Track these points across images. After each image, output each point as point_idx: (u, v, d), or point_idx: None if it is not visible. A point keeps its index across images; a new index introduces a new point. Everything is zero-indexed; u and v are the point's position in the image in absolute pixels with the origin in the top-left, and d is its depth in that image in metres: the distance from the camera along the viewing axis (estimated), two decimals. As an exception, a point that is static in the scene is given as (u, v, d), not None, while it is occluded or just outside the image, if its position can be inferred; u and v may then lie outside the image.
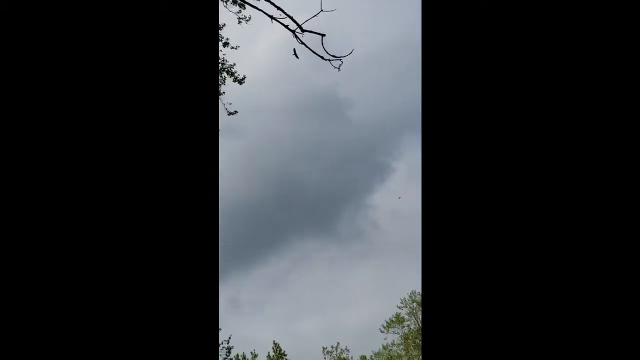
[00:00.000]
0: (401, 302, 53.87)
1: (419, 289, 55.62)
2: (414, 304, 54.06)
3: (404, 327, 53.65)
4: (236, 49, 17.15)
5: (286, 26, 11.93)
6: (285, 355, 52.52)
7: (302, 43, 11.55)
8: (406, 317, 53.72)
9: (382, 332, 53.80)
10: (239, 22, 15.85)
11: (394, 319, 53.86)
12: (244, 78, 17.36)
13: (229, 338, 34.52)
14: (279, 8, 12.21)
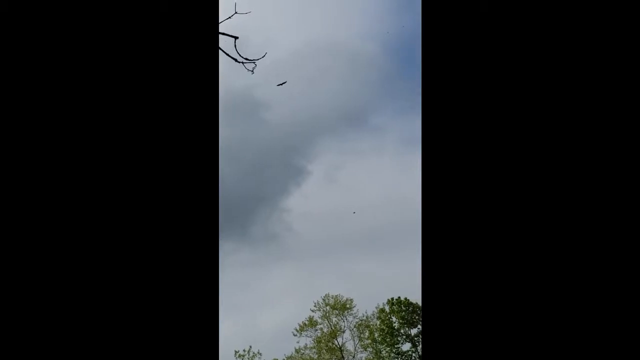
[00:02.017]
0: (314, 306, 54.17)
1: (332, 292, 56.14)
2: (327, 307, 54.45)
3: (316, 330, 53.95)
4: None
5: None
6: (197, 359, 51.60)
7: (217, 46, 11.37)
8: (319, 320, 54.05)
9: (295, 335, 53.92)
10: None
11: (307, 322, 54.07)
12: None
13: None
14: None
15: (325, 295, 54.69)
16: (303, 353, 53.30)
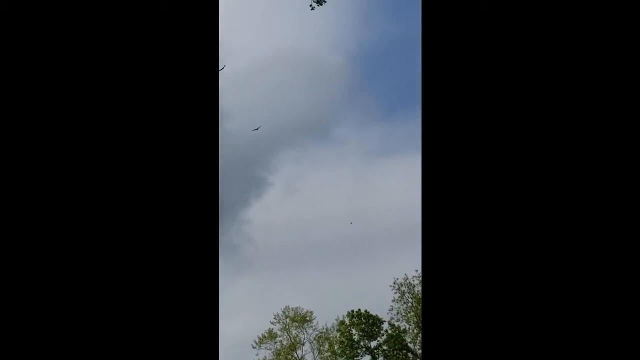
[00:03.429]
0: (274, 318, 53.87)
1: (292, 304, 55.85)
2: (287, 319, 54.22)
3: (276, 342, 53.63)
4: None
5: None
6: (154, 371, 50.76)
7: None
8: (279, 332, 53.76)
9: (254, 347, 53.48)
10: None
11: (266, 334, 53.72)
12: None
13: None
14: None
15: (285, 307, 54.49)
16: (262, 365, 52.90)
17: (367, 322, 50.90)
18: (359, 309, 51.32)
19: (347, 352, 50.08)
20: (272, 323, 54.10)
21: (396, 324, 48.40)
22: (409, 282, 48.20)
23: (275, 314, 54.09)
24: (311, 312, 54.19)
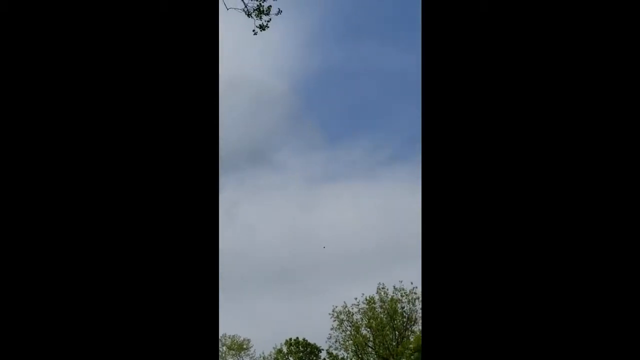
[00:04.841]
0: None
1: (229, 331, 54.97)
2: (224, 347, 53.46)
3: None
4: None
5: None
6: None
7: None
8: None
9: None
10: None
11: None
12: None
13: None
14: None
15: (222, 335, 53.71)
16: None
17: (305, 351, 50.64)
18: (297, 337, 51.08)
19: (285, 380, 49.64)
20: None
21: (334, 352, 48.27)
22: (348, 311, 48.27)
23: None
24: (248, 340, 53.59)
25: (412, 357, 42.95)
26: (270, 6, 15.75)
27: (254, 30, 15.72)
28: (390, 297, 47.85)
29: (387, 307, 47.69)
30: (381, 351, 46.89)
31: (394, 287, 47.85)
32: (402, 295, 47.67)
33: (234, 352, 53.13)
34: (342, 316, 48.28)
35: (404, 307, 47.65)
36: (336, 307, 48.09)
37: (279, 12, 15.86)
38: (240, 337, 53.82)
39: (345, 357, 48.13)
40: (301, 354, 50.68)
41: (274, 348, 51.88)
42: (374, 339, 47.61)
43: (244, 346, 53.49)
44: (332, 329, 47.92)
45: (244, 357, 53.06)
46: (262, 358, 52.85)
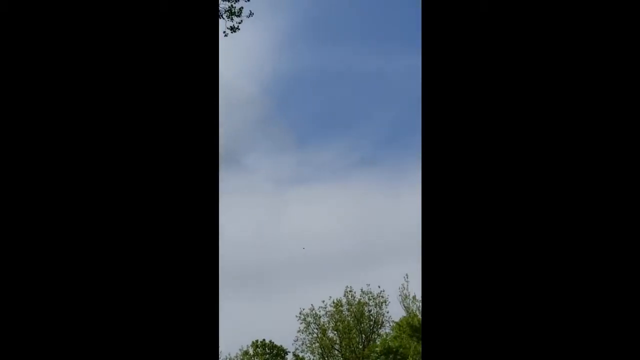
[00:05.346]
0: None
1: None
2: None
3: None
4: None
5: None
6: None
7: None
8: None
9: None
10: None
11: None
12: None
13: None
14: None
15: (188, 335, 53.32)
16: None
17: (271, 352, 50.49)
18: (264, 339, 50.88)
19: (250, 382, 49.40)
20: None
21: (300, 354, 48.22)
22: (315, 313, 48.27)
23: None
24: (214, 341, 53.18)
25: (378, 360, 43.13)
26: (242, 7, 15.75)
27: (224, 32, 15.69)
28: (357, 300, 47.97)
29: (354, 310, 47.79)
30: (347, 354, 46.96)
31: (362, 290, 48.00)
32: (369, 299, 47.81)
33: (199, 353, 52.75)
34: (309, 319, 48.25)
35: (371, 310, 47.80)
36: (303, 309, 48.08)
37: (251, 14, 15.86)
38: (206, 338, 53.45)
39: (311, 360, 48.13)
40: (267, 355, 50.53)
41: (240, 350, 51.62)
42: (340, 342, 47.66)
43: (210, 347, 53.12)
44: (298, 331, 47.88)
45: (209, 359, 52.69)
46: (227, 359, 52.53)
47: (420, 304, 41.83)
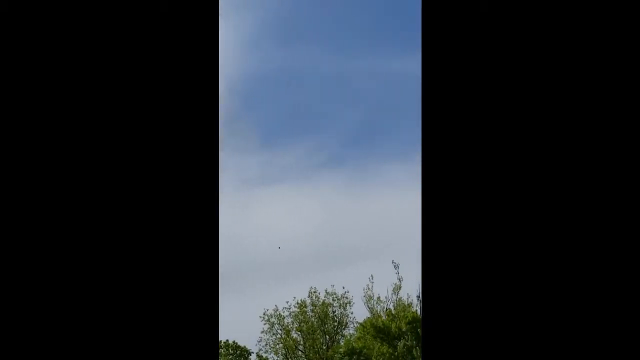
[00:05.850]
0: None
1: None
2: None
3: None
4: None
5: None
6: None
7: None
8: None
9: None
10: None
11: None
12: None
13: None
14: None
15: (150, 336, 52.89)
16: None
17: (235, 353, 50.32)
18: (227, 340, 50.67)
19: (213, 383, 49.20)
20: (135, 352, 52.21)
21: (264, 355, 48.13)
22: (279, 314, 48.23)
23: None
24: (177, 342, 52.81)
25: (342, 361, 43.25)
26: None
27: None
28: (321, 301, 48.06)
29: (319, 311, 47.88)
30: (311, 355, 47.03)
31: (326, 291, 48.10)
32: (333, 300, 47.93)
33: (161, 354, 52.34)
34: (272, 319, 48.19)
35: (335, 311, 47.93)
36: (267, 310, 47.99)
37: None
38: (168, 338, 53.07)
39: (274, 361, 48.06)
40: (231, 356, 50.33)
41: (203, 350, 51.28)
42: (304, 343, 47.71)
43: (172, 348, 52.75)
44: (262, 332, 47.78)
45: (171, 359, 52.31)
46: (190, 360, 52.15)
47: (385, 305, 42.11)
